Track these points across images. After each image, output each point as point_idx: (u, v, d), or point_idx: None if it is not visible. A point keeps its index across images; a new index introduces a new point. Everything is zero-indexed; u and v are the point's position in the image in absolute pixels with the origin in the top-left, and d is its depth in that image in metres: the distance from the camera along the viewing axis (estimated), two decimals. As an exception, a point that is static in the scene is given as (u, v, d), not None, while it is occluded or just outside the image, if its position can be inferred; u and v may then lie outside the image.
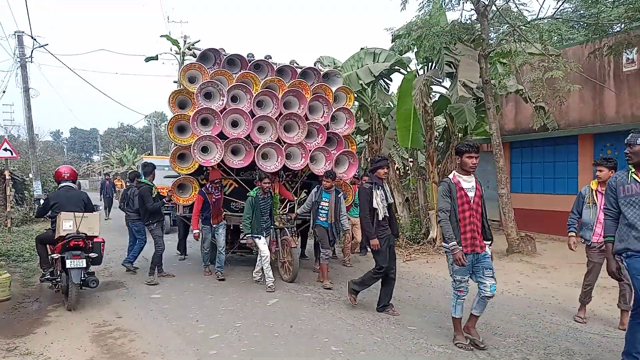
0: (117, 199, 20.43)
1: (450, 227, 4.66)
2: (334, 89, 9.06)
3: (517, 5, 9.60)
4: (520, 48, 9.58)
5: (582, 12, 10.40)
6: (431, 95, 11.59)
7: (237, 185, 8.95)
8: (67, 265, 6.14)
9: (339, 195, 7.79)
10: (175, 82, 8.67)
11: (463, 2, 10.08)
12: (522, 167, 13.18)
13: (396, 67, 12.13)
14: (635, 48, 10.27)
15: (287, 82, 8.76)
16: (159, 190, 9.47)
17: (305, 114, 8.63)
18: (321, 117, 8.92)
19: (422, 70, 11.70)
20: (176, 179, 8.57)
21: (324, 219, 7.68)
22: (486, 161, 13.36)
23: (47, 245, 6.86)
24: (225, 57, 8.70)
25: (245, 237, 7.98)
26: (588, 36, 9.95)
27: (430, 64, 11.24)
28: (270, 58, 9.09)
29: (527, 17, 9.71)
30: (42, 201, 8.60)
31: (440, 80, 11.58)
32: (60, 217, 6.39)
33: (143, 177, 8.55)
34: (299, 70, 9.08)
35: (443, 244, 4.84)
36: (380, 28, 36.40)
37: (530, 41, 9.46)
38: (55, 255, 6.36)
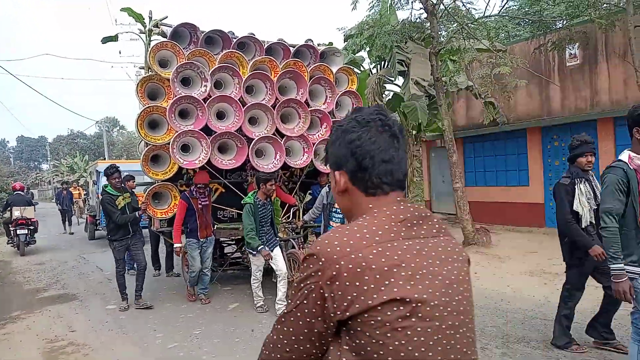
0: (77, 212, 19.33)
1: (619, 239, 3.25)
2: (334, 70, 7.77)
3: (465, 4, 9.85)
4: (469, 45, 9.83)
5: (526, 9, 10.79)
6: (384, 94, 11.73)
7: (223, 190, 7.55)
8: (18, 232, 12.18)
9: None
10: (141, 68, 7.11)
11: (412, 2, 10.32)
12: (476, 161, 13.52)
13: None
14: (577, 43, 10.71)
15: (280, 63, 7.34)
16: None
17: (306, 99, 7.31)
18: (324, 104, 7.59)
19: (374, 69, 11.84)
20: (149, 186, 7.08)
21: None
22: (440, 156, 13.65)
23: (9, 225, 12.69)
24: (203, 34, 7.12)
25: (248, 252, 6.62)
26: (533, 32, 10.31)
27: (382, 62, 11.39)
28: (254, 35, 7.53)
29: (474, 15, 9.99)
30: (4, 202, 14.68)
31: (393, 78, 11.75)
32: (13, 209, 12.53)
33: (106, 187, 6.70)
34: (292, 49, 7.62)
35: (613, 266, 3.24)
36: (332, 28, 36.64)
37: (477, 38, 9.71)
38: (12, 228, 12.44)
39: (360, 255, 1.04)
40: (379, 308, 1.01)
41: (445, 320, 1.08)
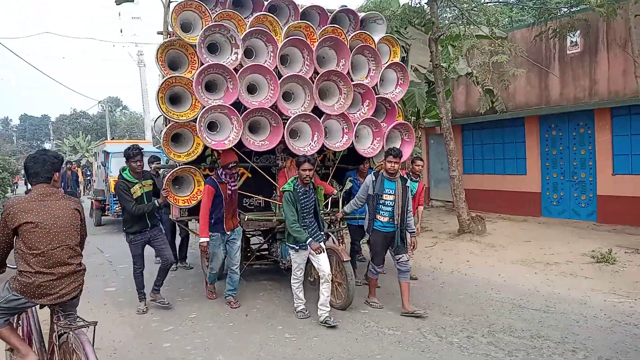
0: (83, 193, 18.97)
1: None
2: (376, 40, 6.90)
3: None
4: (469, 32, 9.78)
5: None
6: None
7: (250, 175, 6.77)
8: None
9: (407, 185, 5.56)
10: (160, 33, 6.28)
11: (413, -14, 10.23)
12: (474, 149, 13.54)
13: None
14: (579, 31, 10.64)
15: (317, 30, 6.51)
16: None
17: (348, 71, 6.53)
18: (366, 77, 6.77)
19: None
20: (170, 170, 6.23)
21: (387, 220, 5.46)
22: (439, 143, 13.66)
23: None
24: None
25: (283, 255, 6.27)
26: (536, 18, 10.25)
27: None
28: None
29: (476, 1, 9.92)
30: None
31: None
32: None
33: (123, 171, 5.81)
34: (329, 15, 6.80)
35: None
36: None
37: (477, 25, 9.66)
38: None
39: (18, 205, 3.06)
40: (22, 224, 3.03)
41: (52, 229, 3.10)
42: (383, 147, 6.61)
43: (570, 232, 9.45)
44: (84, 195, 19.64)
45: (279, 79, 6.00)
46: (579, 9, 9.87)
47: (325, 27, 6.51)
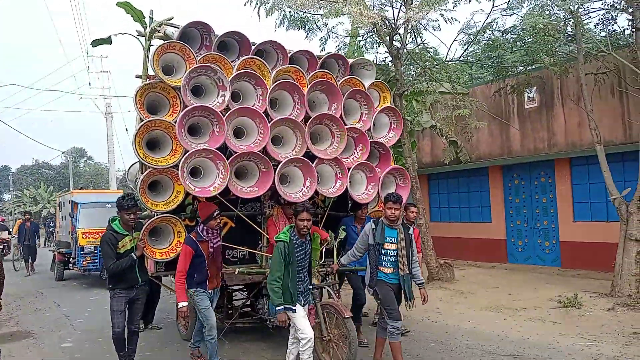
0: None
1: None
2: (366, 85, 6.76)
3: (428, 50, 10.28)
4: (432, 87, 10.22)
5: (488, 53, 11.32)
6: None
7: (233, 225, 6.33)
8: None
9: (410, 232, 5.17)
10: (138, 76, 5.98)
11: (377, 46, 10.71)
12: (440, 198, 13.84)
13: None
14: (534, 87, 11.25)
15: (307, 75, 6.31)
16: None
17: (341, 115, 6.31)
18: (359, 121, 6.61)
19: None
20: (147, 220, 5.63)
21: (391, 271, 5.02)
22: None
23: None
24: (217, 37, 6.04)
25: (271, 313, 5.53)
26: (494, 76, 10.81)
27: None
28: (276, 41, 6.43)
29: (438, 58, 10.44)
30: None
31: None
32: None
33: (114, 220, 5.21)
34: (319, 60, 6.60)
35: None
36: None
37: (439, 81, 10.11)
38: None
39: None
40: None
41: None
42: (378, 192, 6.40)
43: (537, 278, 9.62)
44: (44, 247, 18.90)
45: (270, 122, 5.74)
46: (534, 67, 10.48)
47: (315, 71, 6.34)
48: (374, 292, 5.06)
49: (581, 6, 8.66)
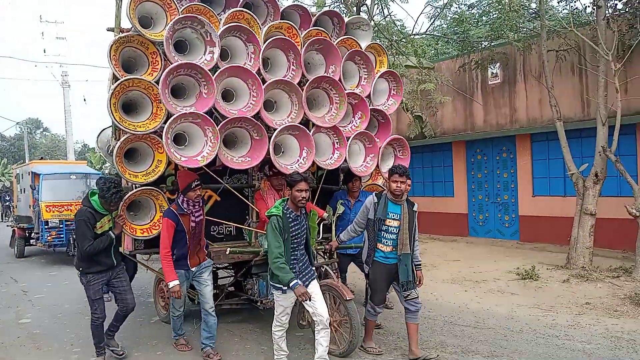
0: None
1: None
2: (363, 46, 6.12)
3: (395, 22, 10.21)
4: (398, 61, 10.19)
5: (454, 28, 11.36)
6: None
7: (218, 199, 5.73)
8: None
9: (414, 209, 4.72)
10: (110, 29, 5.19)
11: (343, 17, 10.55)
12: (405, 173, 13.97)
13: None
14: (498, 63, 11.38)
15: (300, 33, 5.65)
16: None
17: (340, 79, 5.65)
18: (357, 86, 5.98)
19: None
20: (126, 193, 4.83)
21: (390, 249, 4.62)
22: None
23: None
24: None
25: (261, 293, 5.33)
26: (459, 51, 10.89)
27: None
28: None
29: (405, 32, 10.40)
30: None
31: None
32: None
33: (92, 195, 4.57)
34: (312, 17, 5.96)
35: None
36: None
37: (406, 55, 10.09)
38: None
39: None
40: None
41: None
42: (378, 164, 5.90)
43: (497, 251, 9.91)
44: (2, 222, 17.74)
45: (264, 84, 5.09)
46: (498, 43, 10.58)
47: (309, 29, 5.71)
48: (368, 269, 4.74)
49: (546, -18, 8.73)
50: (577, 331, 5.37)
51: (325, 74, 5.57)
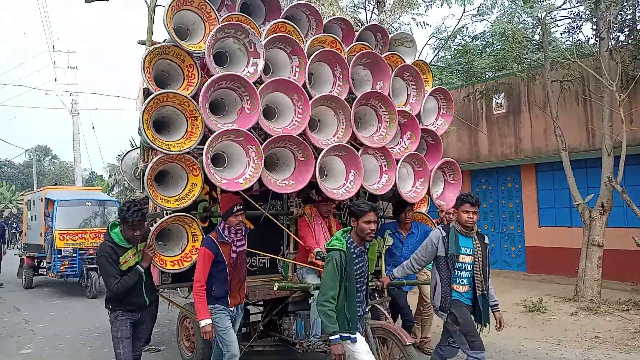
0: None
1: None
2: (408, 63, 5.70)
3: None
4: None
5: (458, 59, 11.47)
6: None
7: (252, 227, 5.10)
8: None
9: (486, 242, 4.26)
10: (141, 42, 4.70)
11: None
12: (410, 202, 13.91)
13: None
14: (502, 93, 11.44)
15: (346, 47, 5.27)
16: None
17: (389, 95, 5.21)
18: (405, 104, 5.56)
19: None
20: (155, 220, 4.50)
21: (466, 289, 4.10)
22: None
23: None
24: None
25: (299, 335, 4.75)
26: (463, 81, 10.96)
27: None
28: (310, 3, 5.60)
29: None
30: None
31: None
32: None
33: (113, 228, 4.03)
34: (356, 31, 5.63)
35: None
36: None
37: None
38: None
39: None
40: None
41: None
42: (429, 190, 5.38)
43: (503, 282, 9.75)
44: (8, 249, 17.26)
45: (311, 100, 4.66)
46: (502, 73, 10.66)
47: (353, 44, 5.34)
48: (450, 315, 4.03)
49: (548, 14, 8.84)
50: (587, 366, 5.23)
51: (376, 90, 5.15)
